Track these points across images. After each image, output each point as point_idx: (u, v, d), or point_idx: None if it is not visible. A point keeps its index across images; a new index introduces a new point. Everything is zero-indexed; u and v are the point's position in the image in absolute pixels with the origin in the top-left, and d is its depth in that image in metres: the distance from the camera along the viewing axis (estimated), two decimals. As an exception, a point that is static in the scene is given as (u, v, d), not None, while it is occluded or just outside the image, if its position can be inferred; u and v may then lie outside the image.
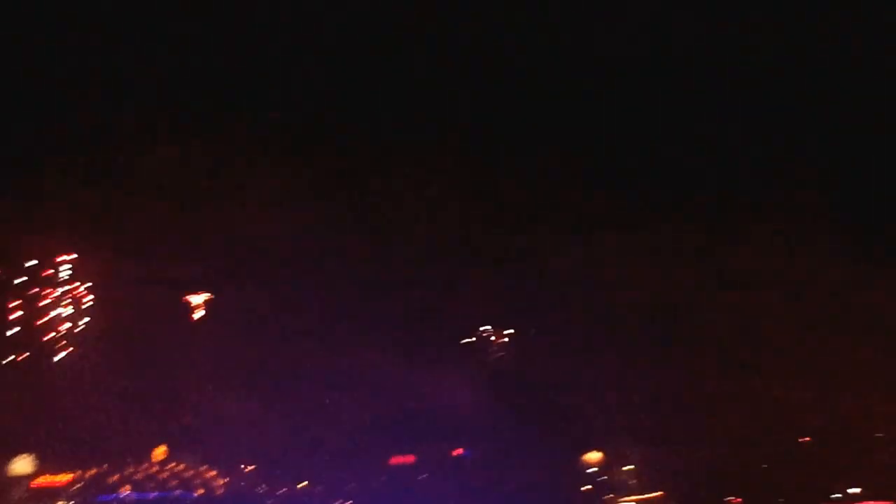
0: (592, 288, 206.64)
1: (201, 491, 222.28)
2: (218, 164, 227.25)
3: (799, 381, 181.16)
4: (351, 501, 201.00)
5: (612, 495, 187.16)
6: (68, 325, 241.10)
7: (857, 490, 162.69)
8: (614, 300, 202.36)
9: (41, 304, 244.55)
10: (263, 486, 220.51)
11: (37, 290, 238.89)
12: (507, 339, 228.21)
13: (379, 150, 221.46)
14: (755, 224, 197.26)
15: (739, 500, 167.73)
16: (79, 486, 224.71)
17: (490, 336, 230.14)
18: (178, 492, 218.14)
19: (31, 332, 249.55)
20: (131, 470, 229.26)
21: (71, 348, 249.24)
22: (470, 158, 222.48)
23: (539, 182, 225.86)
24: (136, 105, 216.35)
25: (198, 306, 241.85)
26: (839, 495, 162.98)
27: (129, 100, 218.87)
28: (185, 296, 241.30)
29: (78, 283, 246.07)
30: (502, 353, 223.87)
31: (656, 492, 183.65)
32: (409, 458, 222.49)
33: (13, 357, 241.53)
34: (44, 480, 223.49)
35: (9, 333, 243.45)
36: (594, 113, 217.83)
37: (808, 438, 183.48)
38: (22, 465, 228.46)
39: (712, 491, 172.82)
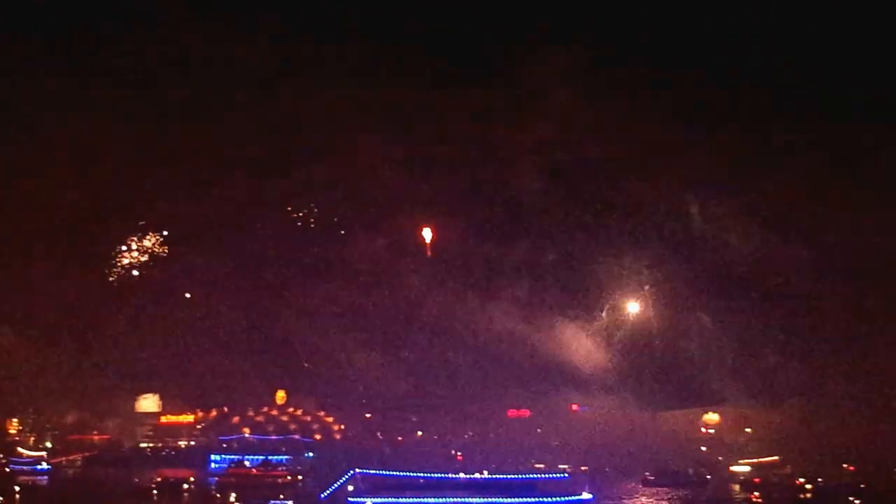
0: (719, 247, 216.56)
1: (319, 436, 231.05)
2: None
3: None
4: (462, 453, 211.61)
5: (727, 457, 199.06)
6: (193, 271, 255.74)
7: None
8: (743, 259, 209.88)
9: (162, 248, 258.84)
10: (380, 433, 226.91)
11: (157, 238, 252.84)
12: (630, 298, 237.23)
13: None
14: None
15: (853, 468, 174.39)
16: (202, 425, 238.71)
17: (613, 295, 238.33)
18: (296, 435, 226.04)
19: (159, 279, 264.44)
20: (251, 413, 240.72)
21: (194, 294, 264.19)
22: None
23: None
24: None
25: (322, 253, 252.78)
26: None
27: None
28: (310, 243, 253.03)
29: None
30: (625, 311, 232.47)
31: (772, 456, 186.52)
32: (525, 413, 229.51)
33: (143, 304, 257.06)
34: (170, 419, 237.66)
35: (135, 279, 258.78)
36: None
37: None
38: (149, 403, 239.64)
39: (827, 457, 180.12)
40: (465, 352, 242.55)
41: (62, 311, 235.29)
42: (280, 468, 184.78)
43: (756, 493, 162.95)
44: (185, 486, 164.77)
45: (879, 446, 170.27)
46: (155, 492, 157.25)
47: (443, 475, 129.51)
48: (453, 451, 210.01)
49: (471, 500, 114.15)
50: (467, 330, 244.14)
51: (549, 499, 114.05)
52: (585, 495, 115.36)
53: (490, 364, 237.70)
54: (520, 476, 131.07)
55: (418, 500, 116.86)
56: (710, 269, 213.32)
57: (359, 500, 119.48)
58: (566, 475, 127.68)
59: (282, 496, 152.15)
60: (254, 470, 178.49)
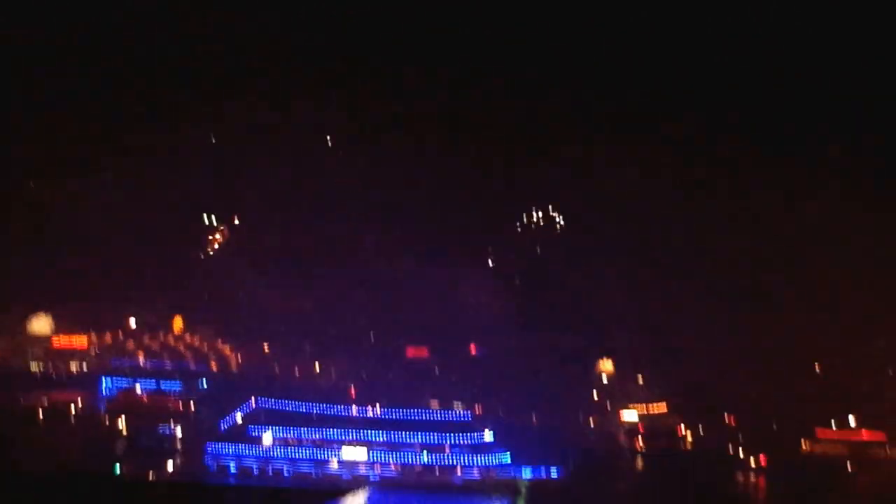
0: (622, 198, 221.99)
1: (214, 365, 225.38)
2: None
3: (811, 310, 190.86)
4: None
5: (618, 402, 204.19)
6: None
7: (853, 419, 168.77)
8: (642, 210, 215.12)
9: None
10: (277, 364, 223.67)
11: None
12: (528, 240, 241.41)
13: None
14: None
15: (733, 416, 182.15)
16: (95, 349, 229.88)
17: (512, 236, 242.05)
18: (191, 364, 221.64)
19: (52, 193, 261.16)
20: (147, 339, 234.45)
21: (91, 215, 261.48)
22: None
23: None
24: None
25: (223, 180, 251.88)
26: (834, 422, 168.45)
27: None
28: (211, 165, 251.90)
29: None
30: (523, 255, 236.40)
31: (660, 402, 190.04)
32: (424, 352, 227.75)
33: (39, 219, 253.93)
34: (62, 341, 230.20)
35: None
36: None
37: (815, 365, 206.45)
38: (41, 324, 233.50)
39: (710, 405, 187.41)
40: (367, 287, 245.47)
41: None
42: (172, 395, 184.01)
43: (638, 439, 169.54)
44: (73, 409, 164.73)
45: (759, 398, 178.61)
46: (42, 415, 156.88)
47: (345, 410, 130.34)
48: (347, 386, 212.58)
49: (373, 436, 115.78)
50: (369, 265, 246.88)
51: (455, 437, 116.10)
52: (488, 435, 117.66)
53: (390, 301, 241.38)
54: (423, 413, 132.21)
55: (321, 432, 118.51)
56: (614, 218, 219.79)
57: (259, 431, 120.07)
58: (467, 414, 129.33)
59: (172, 423, 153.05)
60: (145, 396, 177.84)
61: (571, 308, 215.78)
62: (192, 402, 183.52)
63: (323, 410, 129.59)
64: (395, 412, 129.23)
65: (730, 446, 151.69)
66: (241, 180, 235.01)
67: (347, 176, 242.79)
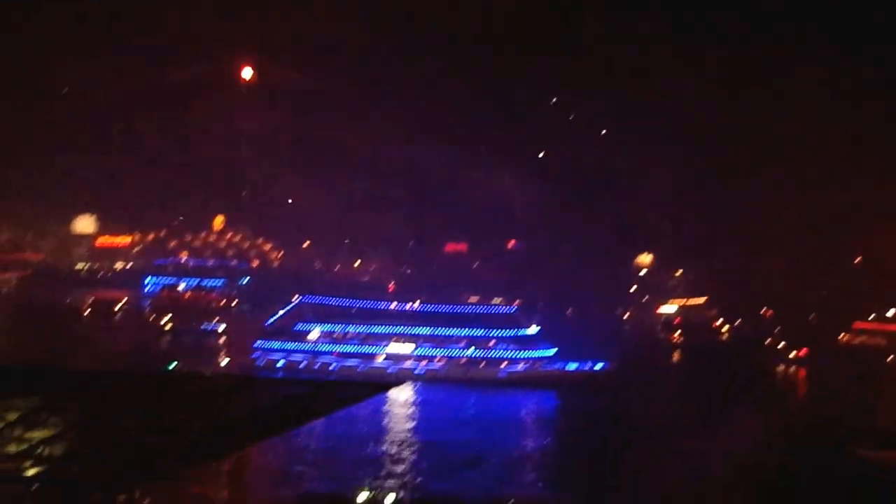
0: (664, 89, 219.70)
1: (256, 262, 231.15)
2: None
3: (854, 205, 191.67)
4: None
5: (657, 296, 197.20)
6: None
7: (892, 312, 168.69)
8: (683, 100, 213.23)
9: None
10: (318, 262, 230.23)
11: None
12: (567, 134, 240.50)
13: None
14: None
15: (772, 311, 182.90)
16: (138, 248, 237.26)
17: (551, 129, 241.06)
18: (233, 261, 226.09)
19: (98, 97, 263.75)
20: (189, 237, 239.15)
21: (134, 117, 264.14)
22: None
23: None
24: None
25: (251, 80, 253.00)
26: (873, 315, 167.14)
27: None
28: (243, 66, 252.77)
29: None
30: (563, 148, 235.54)
31: (700, 297, 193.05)
32: (463, 247, 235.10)
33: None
34: (106, 241, 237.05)
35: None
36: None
37: (858, 259, 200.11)
38: (86, 224, 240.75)
39: (749, 299, 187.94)
40: (405, 185, 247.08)
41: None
42: (214, 293, 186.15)
43: (676, 334, 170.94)
44: (118, 307, 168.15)
45: (798, 292, 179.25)
46: (87, 312, 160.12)
47: (390, 305, 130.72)
48: (387, 282, 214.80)
49: (418, 330, 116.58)
50: (407, 164, 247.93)
51: (499, 331, 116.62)
52: (532, 329, 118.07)
53: (429, 197, 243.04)
54: (468, 307, 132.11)
55: (367, 328, 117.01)
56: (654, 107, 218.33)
57: (306, 326, 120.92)
58: (513, 307, 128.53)
59: (216, 320, 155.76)
60: (187, 293, 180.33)
61: (611, 202, 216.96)
62: (234, 299, 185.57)
63: (368, 306, 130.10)
64: (441, 306, 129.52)
65: (769, 339, 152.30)
66: (280, 79, 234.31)
67: (387, 70, 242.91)
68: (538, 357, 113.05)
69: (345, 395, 28.43)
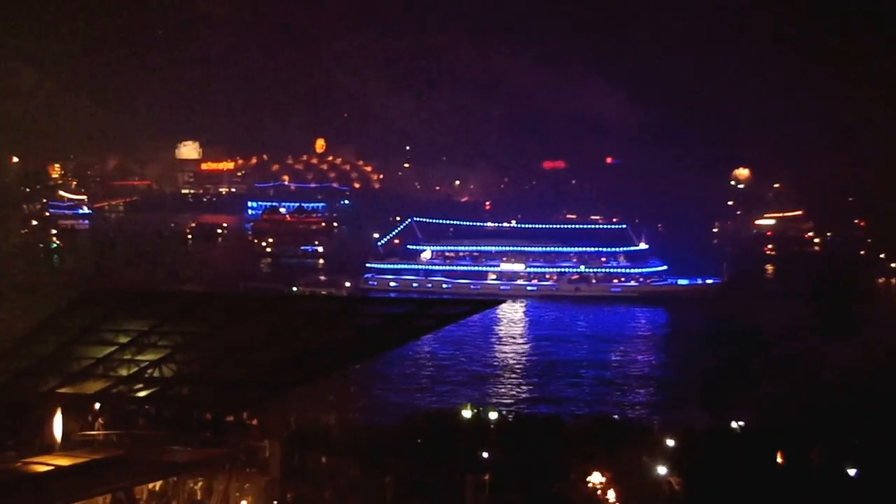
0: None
1: (357, 184, 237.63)
2: None
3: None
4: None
5: (754, 210, 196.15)
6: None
7: None
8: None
9: None
10: (418, 183, 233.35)
11: None
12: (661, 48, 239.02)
13: None
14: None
15: (864, 223, 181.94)
16: (242, 172, 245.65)
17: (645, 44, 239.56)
18: (335, 183, 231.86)
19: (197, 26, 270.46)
20: (290, 160, 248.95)
21: (232, 43, 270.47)
22: None
23: None
24: None
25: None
26: None
27: None
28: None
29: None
30: (657, 62, 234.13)
31: (797, 210, 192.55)
32: (560, 164, 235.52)
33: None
34: (210, 166, 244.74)
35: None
36: None
37: None
38: (190, 150, 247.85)
39: (842, 212, 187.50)
40: (501, 104, 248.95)
41: (100, 54, 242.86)
42: (315, 215, 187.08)
43: (769, 246, 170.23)
44: (219, 230, 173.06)
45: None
46: (190, 237, 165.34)
47: (509, 224, 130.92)
48: (484, 201, 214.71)
49: (529, 248, 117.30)
50: (502, 82, 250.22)
51: (610, 248, 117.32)
52: (642, 245, 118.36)
53: (525, 116, 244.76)
54: (579, 224, 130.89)
55: (477, 247, 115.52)
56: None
57: (417, 247, 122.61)
58: (624, 225, 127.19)
59: (316, 242, 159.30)
60: (288, 216, 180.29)
61: (707, 117, 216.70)
62: (334, 221, 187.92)
63: (477, 225, 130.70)
64: (550, 224, 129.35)
65: (861, 250, 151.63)
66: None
67: None
68: (649, 273, 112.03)
69: (445, 312, 28.05)
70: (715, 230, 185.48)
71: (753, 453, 31.16)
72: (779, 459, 30.66)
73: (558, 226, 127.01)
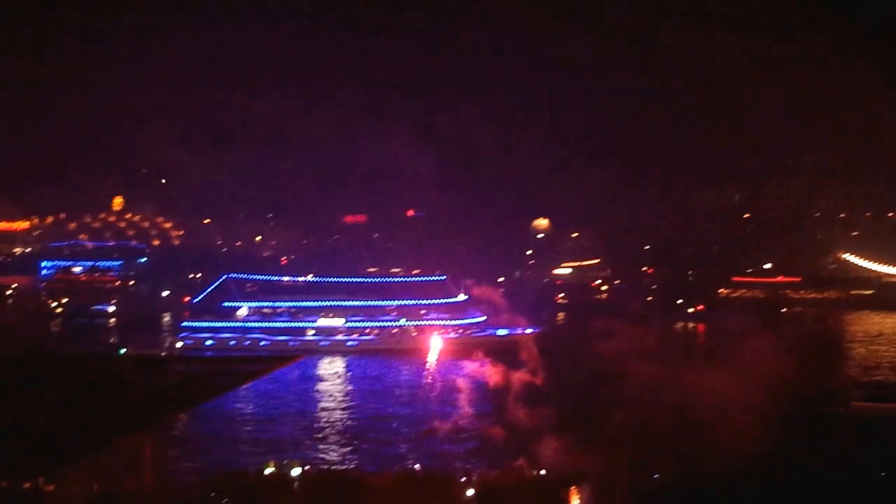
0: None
1: (157, 241, 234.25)
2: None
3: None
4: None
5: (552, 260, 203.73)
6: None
7: (769, 266, 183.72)
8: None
9: None
10: (220, 239, 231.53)
11: None
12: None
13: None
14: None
15: (652, 270, 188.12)
16: (37, 232, 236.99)
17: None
18: (133, 241, 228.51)
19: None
20: (88, 219, 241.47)
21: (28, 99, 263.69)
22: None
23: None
24: None
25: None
26: (750, 270, 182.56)
27: None
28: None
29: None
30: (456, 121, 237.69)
31: (594, 259, 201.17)
32: (362, 218, 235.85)
33: None
34: (3, 226, 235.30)
35: None
36: None
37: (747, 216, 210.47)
38: None
39: (639, 263, 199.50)
40: (300, 157, 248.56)
41: None
42: (110, 273, 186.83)
43: (560, 295, 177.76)
44: (10, 292, 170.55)
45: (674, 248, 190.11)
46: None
47: (328, 279, 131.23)
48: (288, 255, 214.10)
49: (347, 302, 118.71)
50: (301, 134, 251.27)
51: (428, 301, 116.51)
52: (461, 297, 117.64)
53: (325, 169, 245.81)
54: (399, 278, 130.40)
55: (295, 303, 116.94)
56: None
57: (233, 304, 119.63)
58: (443, 277, 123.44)
59: (113, 300, 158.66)
60: (82, 276, 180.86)
61: (504, 168, 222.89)
62: (130, 279, 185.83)
63: (295, 280, 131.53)
64: (369, 278, 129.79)
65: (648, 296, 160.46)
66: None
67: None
68: (468, 324, 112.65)
69: (248, 370, 28.50)
70: (516, 279, 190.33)
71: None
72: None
73: (379, 279, 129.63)
